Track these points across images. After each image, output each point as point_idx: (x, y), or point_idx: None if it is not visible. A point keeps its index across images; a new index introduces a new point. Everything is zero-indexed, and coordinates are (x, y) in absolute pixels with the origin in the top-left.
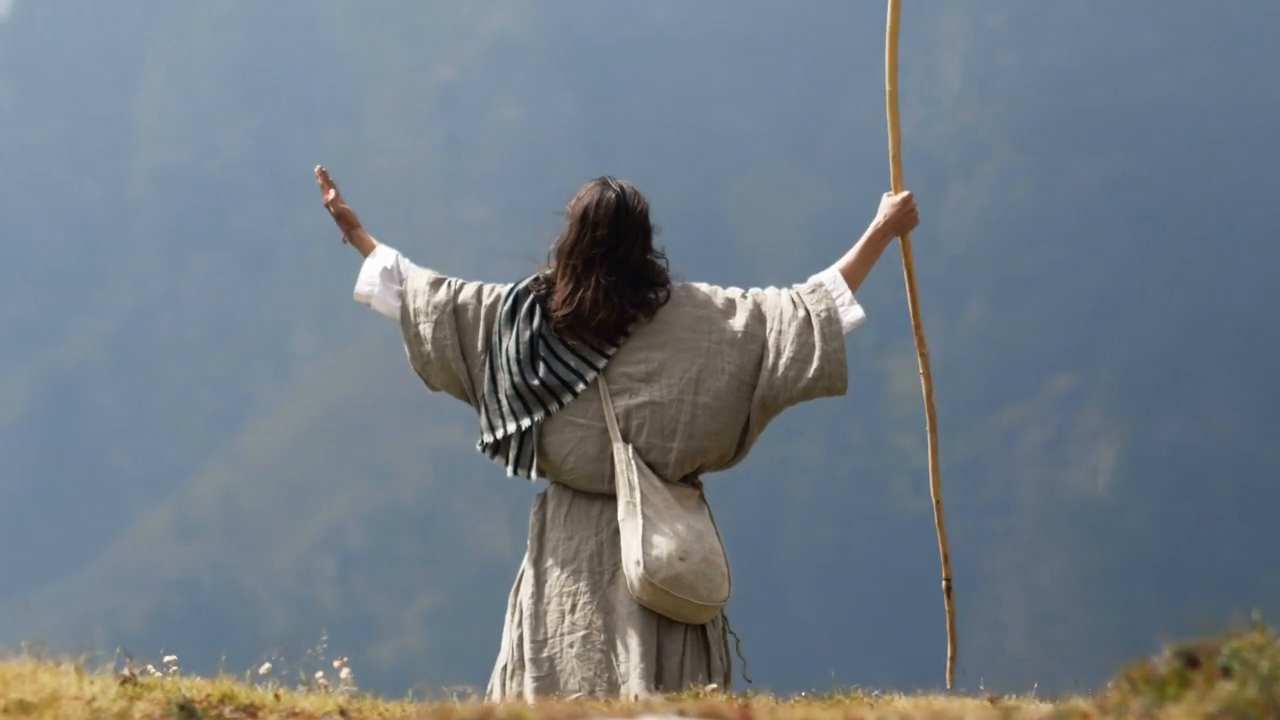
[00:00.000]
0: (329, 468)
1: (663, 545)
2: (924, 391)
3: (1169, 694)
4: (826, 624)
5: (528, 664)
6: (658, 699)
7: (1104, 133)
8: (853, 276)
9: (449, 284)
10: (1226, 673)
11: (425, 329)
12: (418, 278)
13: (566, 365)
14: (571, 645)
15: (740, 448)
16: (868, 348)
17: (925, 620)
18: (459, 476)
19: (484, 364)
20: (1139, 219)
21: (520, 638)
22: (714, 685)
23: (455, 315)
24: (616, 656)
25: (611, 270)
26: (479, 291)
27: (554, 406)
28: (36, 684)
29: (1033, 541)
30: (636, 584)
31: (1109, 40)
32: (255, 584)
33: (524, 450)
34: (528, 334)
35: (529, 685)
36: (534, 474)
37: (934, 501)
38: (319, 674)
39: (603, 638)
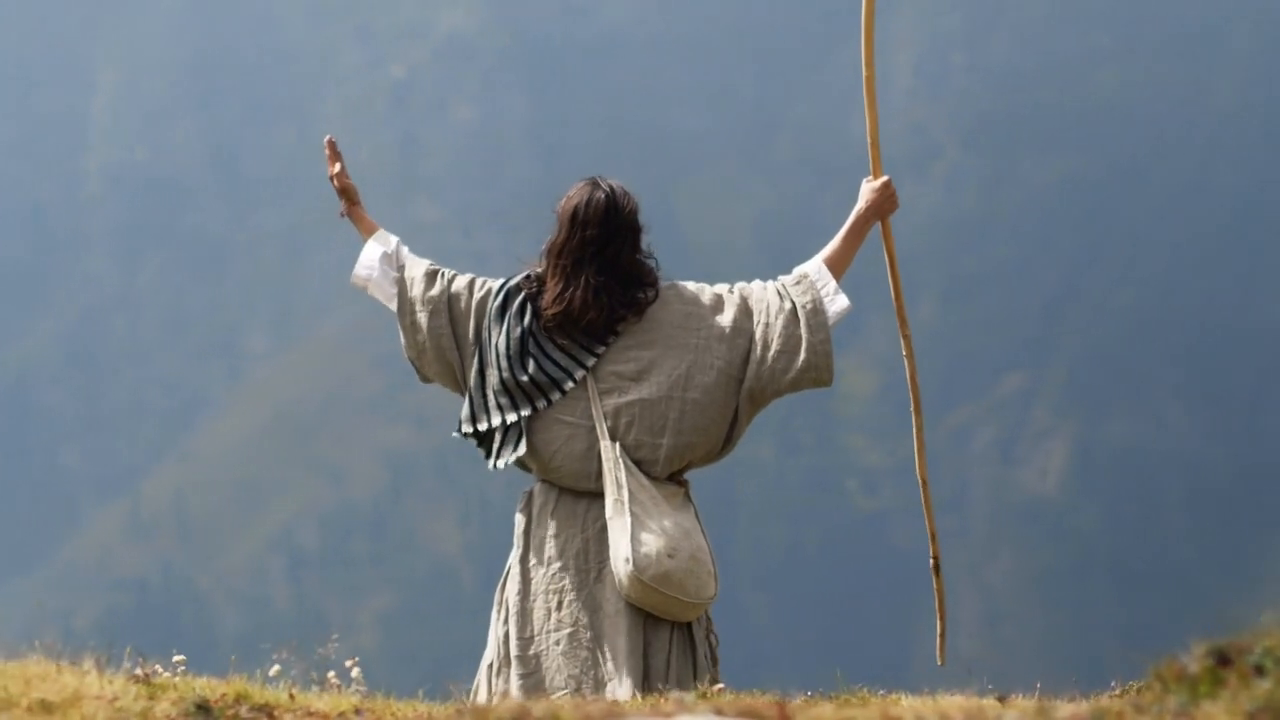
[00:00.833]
0: (281, 467)
1: (651, 543)
2: (908, 373)
3: (1202, 692)
4: (778, 624)
5: (514, 661)
6: (690, 697)
7: (1054, 132)
8: (837, 265)
9: (443, 274)
10: (1260, 671)
11: (422, 318)
12: (415, 266)
13: (556, 363)
14: (558, 643)
15: (728, 441)
16: None
17: (878, 619)
18: (411, 476)
19: (473, 355)
20: (1089, 218)
21: (506, 635)
22: (721, 685)
23: (449, 305)
24: (603, 654)
25: (601, 270)
26: (471, 284)
27: (541, 403)
28: (59, 684)
29: (984, 540)
30: (625, 581)
31: (1059, 41)
32: (207, 583)
33: (505, 443)
34: (518, 331)
35: (515, 682)
36: (505, 464)
37: (920, 481)
38: (331, 674)
39: (589, 635)
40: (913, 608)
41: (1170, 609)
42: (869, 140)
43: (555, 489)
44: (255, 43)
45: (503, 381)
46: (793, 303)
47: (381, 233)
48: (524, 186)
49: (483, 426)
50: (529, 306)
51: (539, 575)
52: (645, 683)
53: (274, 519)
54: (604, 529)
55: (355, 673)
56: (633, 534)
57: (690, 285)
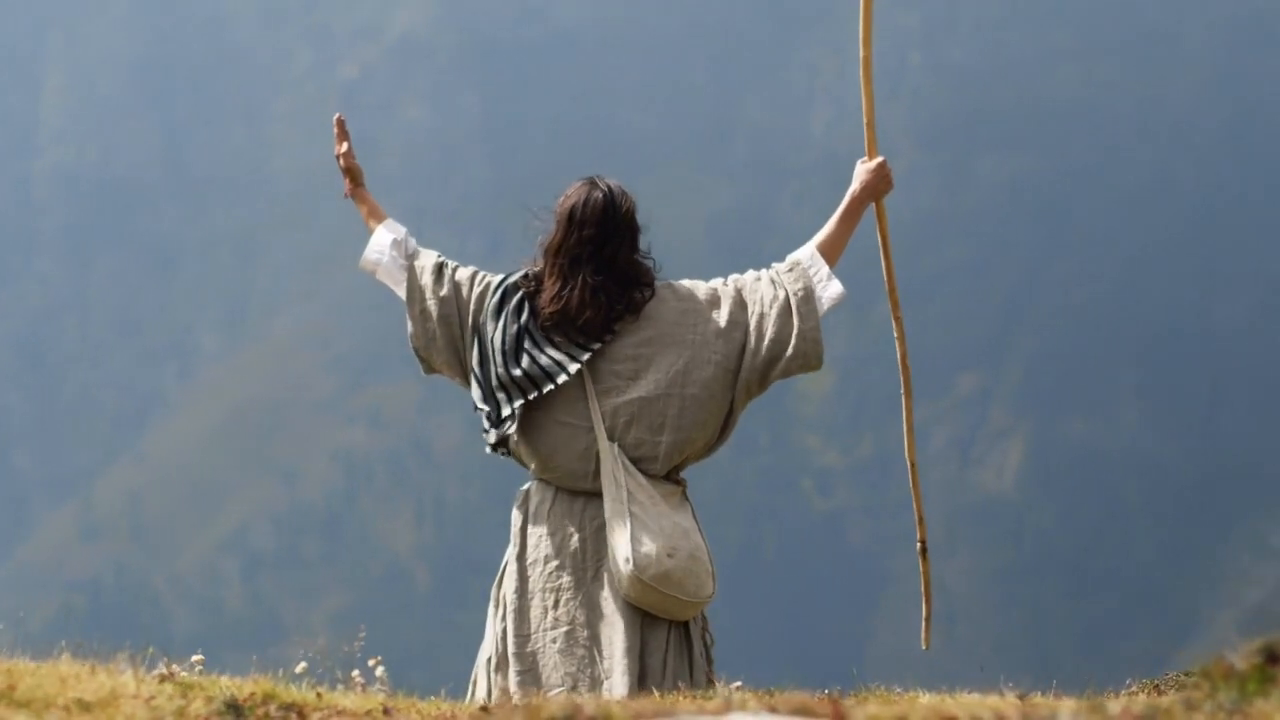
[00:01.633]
0: (234, 468)
1: (651, 542)
2: (899, 355)
3: (1250, 690)
4: (734, 623)
5: (511, 659)
6: (738, 695)
7: (1011, 132)
8: (831, 250)
9: (449, 265)
10: None
11: (432, 305)
12: (426, 256)
13: (549, 357)
14: (555, 641)
15: (723, 433)
16: None
17: (834, 618)
18: (364, 477)
19: (473, 346)
20: (1045, 218)
21: (504, 631)
22: (738, 684)
23: (455, 292)
24: (600, 653)
25: (599, 270)
26: (472, 277)
27: (533, 394)
28: (94, 683)
29: (940, 539)
30: (625, 581)
31: (1017, 41)
32: (160, 585)
33: (495, 428)
34: (514, 328)
35: (513, 680)
36: (495, 442)
37: (909, 464)
38: (355, 672)
39: (586, 634)
40: (868, 607)
41: (1126, 608)
42: (865, 121)
43: (551, 488)
44: (206, 43)
45: (498, 377)
46: (786, 291)
47: (391, 220)
48: (476, 187)
49: (499, 410)
50: (526, 305)
51: (536, 573)
52: (641, 681)
53: (227, 520)
54: (601, 528)
55: (379, 671)
56: (632, 534)
57: (685, 282)
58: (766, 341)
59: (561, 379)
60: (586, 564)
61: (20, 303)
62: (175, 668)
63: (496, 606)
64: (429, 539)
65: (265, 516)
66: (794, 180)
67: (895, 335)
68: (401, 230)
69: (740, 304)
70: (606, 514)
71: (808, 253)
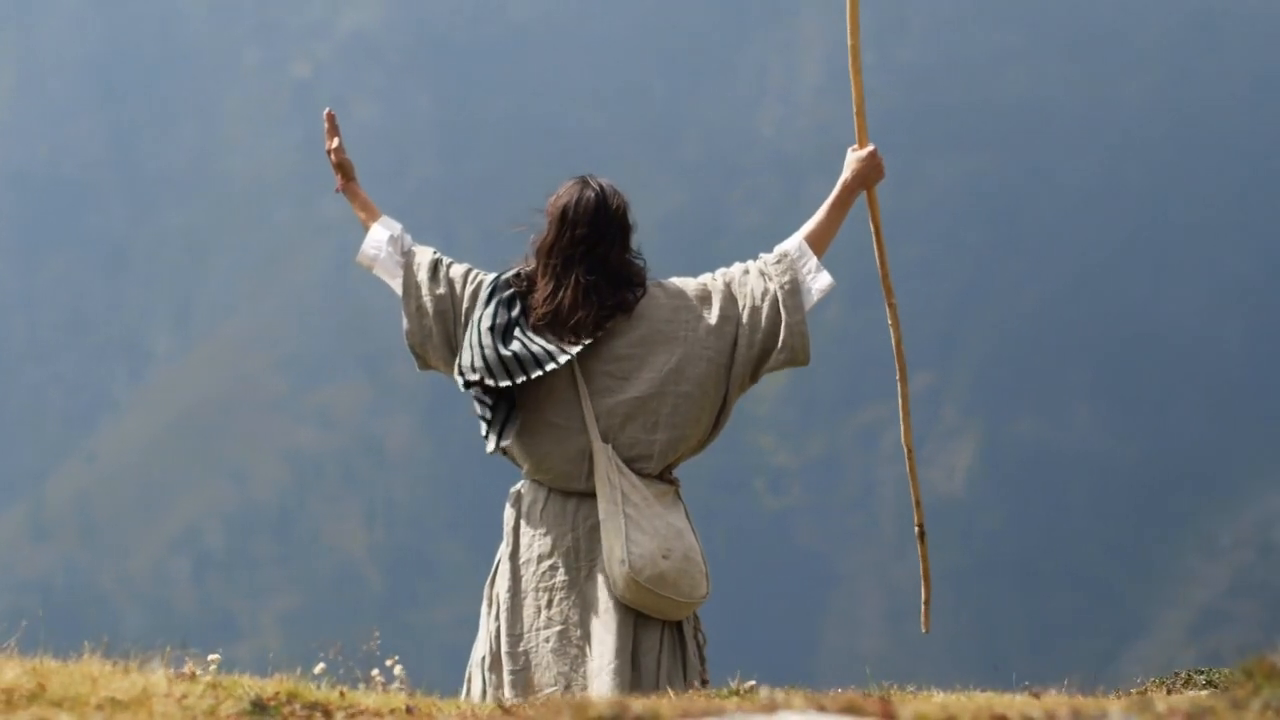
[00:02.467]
0: (184, 468)
1: (646, 544)
2: (893, 341)
3: None
4: None
5: (504, 658)
6: (780, 694)
7: (962, 131)
8: (820, 240)
9: (444, 261)
10: None
11: (428, 302)
12: (422, 253)
13: (541, 346)
14: (547, 640)
15: (715, 428)
16: None
17: (785, 618)
18: (315, 477)
19: (464, 339)
20: (996, 218)
21: (497, 630)
22: (752, 683)
23: (450, 289)
24: (593, 652)
25: (591, 269)
26: (466, 274)
27: (521, 377)
28: (126, 682)
29: (891, 539)
30: (621, 582)
31: (968, 40)
32: (110, 585)
33: (507, 425)
34: (505, 318)
35: (507, 679)
36: (502, 442)
37: (906, 450)
38: (375, 671)
39: (579, 633)
40: (819, 606)
41: (1076, 608)
42: (855, 109)
43: (545, 487)
44: (157, 41)
45: (485, 358)
46: (774, 284)
47: (386, 217)
48: (428, 186)
49: (474, 377)
50: (518, 301)
51: (529, 572)
52: (635, 682)
53: (177, 520)
54: (594, 528)
55: (398, 670)
56: (628, 536)
57: (675, 280)
58: (757, 336)
59: (551, 366)
60: (580, 563)
61: None
62: (195, 667)
63: (489, 605)
64: (379, 539)
65: (215, 517)
66: (744, 179)
67: (889, 322)
68: (397, 227)
69: (730, 299)
70: (601, 516)
71: (795, 244)
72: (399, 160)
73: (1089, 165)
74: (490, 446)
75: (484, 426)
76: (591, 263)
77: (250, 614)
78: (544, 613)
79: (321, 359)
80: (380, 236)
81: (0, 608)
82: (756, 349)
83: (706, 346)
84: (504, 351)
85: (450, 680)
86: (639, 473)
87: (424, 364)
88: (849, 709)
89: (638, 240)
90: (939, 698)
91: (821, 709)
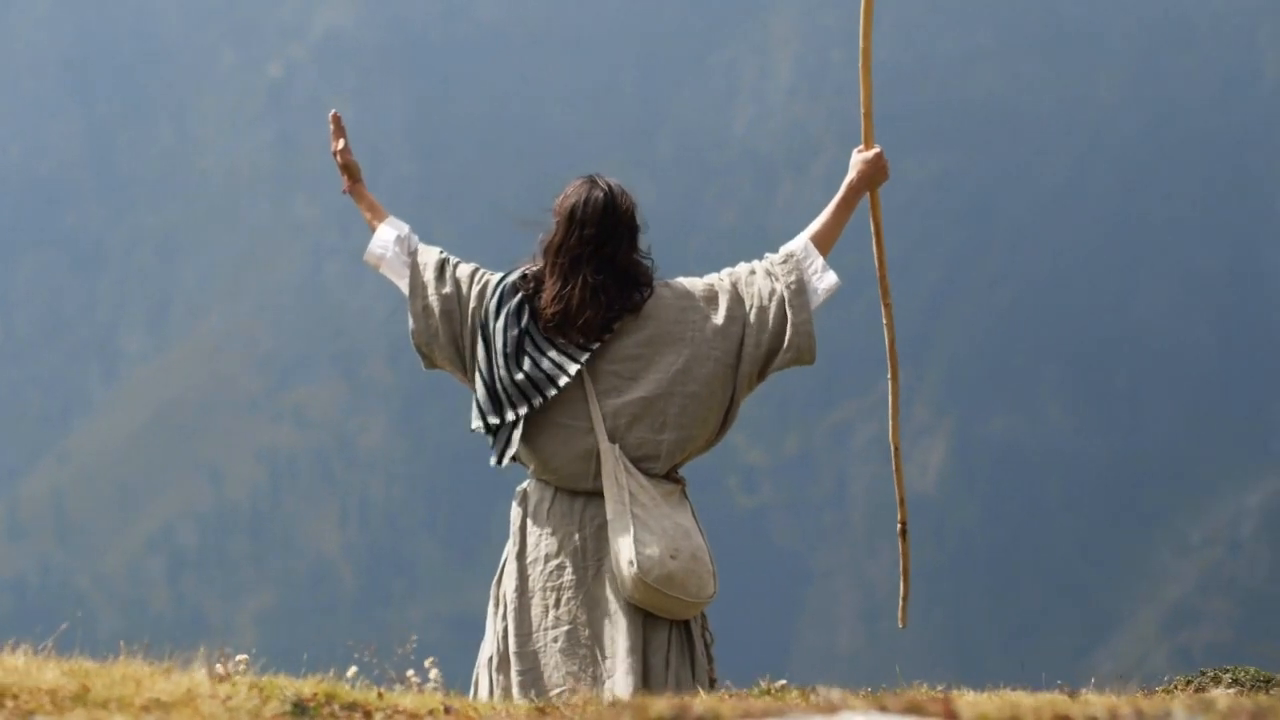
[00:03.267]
0: (159, 468)
1: (654, 544)
2: (887, 340)
3: None
4: None
5: (513, 658)
6: (836, 694)
7: (934, 131)
8: (825, 240)
9: (451, 261)
10: None
11: (434, 302)
12: (428, 253)
13: (551, 361)
14: (556, 640)
15: (722, 427)
16: None
17: (758, 616)
18: (290, 476)
19: (473, 345)
20: (968, 217)
21: (505, 630)
22: (783, 682)
23: (456, 289)
24: (601, 652)
25: (599, 269)
26: (472, 274)
27: (537, 400)
28: (170, 683)
29: (863, 537)
30: (629, 583)
31: (940, 39)
32: (85, 585)
33: (509, 442)
34: (515, 331)
35: (515, 679)
36: (505, 462)
37: (893, 448)
38: (410, 672)
39: (587, 633)
40: (792, 604)
41: (1048, 605)
42: (862, 111)
43: (551, 487)
44: (132, 41)
45: (499, 380)
46: (780, 284)
47: (393, 218)
48: (403, 185)
49: (494, 421)
50: (526, 307)
51: (536, 572)
52: (645, 681)
53: (152, 519)
54: (602, 527)
55: (434, 673)
56: (635, 536)
57: (682, 279)
58: (764, 336)
59: (563, 381)
60: (587, 563)
61: None
62: (227, 667)
63: (496, 605)
64: (354, 538)
65: (190, 516)
66: (716, 178)
67: (884, 322)
68: (404, 227)
69: (737, 299)
70: (609, 516)
71: (801, 244)
72: (374, 159)
73: (1060, 165)
74: (494, 461)
75: (491, 440)
76: (599, 262)
77: (225, 613)
78: (551, 612)
79: (296, 359)
80: (387, 236)
81: None
82: (763, 349)
83: (714, 347)
84: (517, 376)
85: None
86: (646, 473)
87: (430, 363)
88: (911, 709)
89: (645, 241)
90: (998, 697)
91: (883, 709)
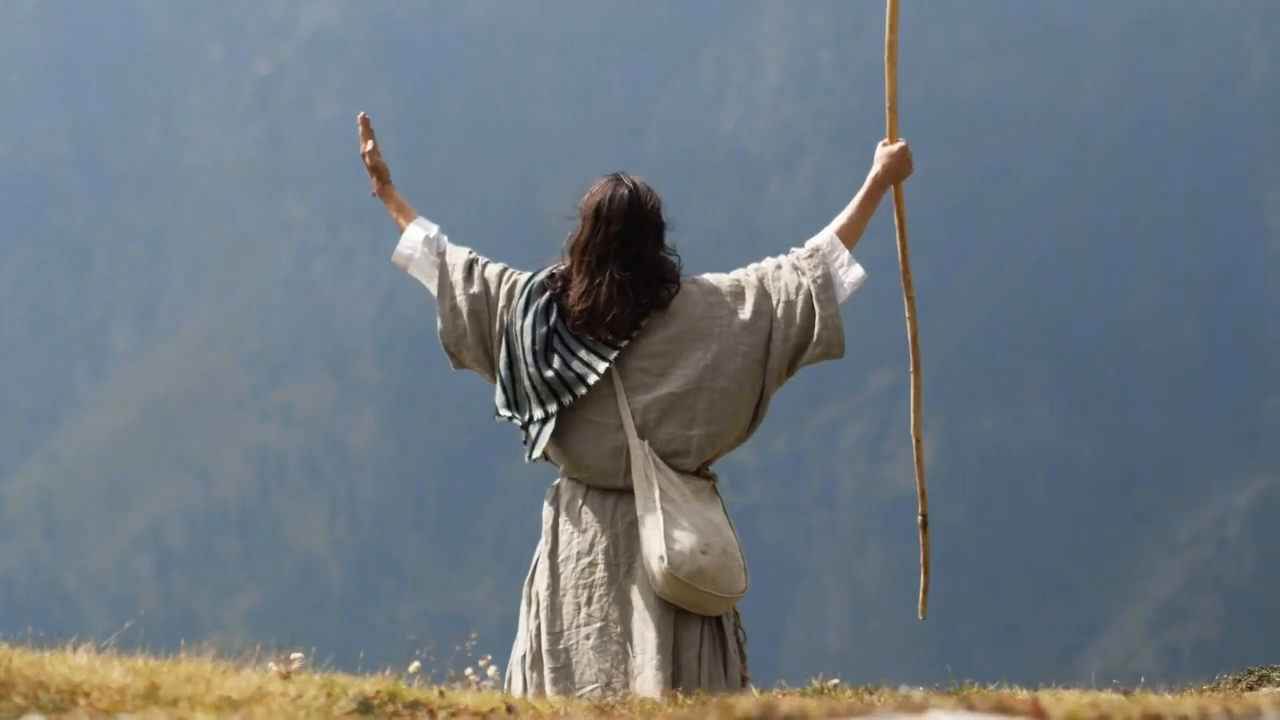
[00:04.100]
0: (148, 466)
1: (685, 540)
2: (909, 334)
3: None
4: None
5: (545, 656)
6: (919, 693)
7: (921, 130)
8: (850, 234)
9: (479, 261)
10: None
11: (462, 302)
12: (456, 253)
13: (580, 359)
14: (588, 637)
15: (753, 422)
16: None
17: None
18: (279, 474)
19: (500, 344)
20: (956, 216)
21: (538, 628)
22: (835, 681)
23: (484, 289)
24: (633, 649)
25: (625, 266)
26: (501, 273)
27: (567, 399)
28: (240, 681)
29: (852, 536)
30: (660, 578)
31: (927, 39)
32: (73, 583)
33: (540, 436)
34: (543, 329)
35: (548, 677)
36: (535, 454)
37: (914, 440)
38: (469, 670)
39: (619, 630)
40: (781, 604)
41: (1037, 604)
42: (887, 105)
43: (582, 485)
44: (119, 38)
45: (529, 378)
46: (807, 278)
47: (421, 218)
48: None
49: (525, 417)
50: (554, 305)
51: (568, 570)
52: (676, 678)
53: (141, 517)
54: (633, 524)
55: (491, 670)
56: (666, 531)
57: (708, 275)
58: (792, 330)
59: (592, 380)
60: (619, 560)
61: None
62: (283, 666)
63: (529, 604)
64: (342, 536)
65: (179, 514)
66: (704, 178)
67: (907, 315)
68: (433, 228)
69: (764, 294)
70: (639, 512)
71: (827, 238)
72: (360, 158)
73: (1048, 163)
74: (528, 457)
75: (524, 435)
76: (625, 259)
77: (214, 612)
78: (584, 610)
79: (284, 356)
80: (415, 237)
81: None
82: (792, 343)
83: (741, 342)
84: (547, 374)
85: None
86: (676, 468)
87: (458, 363)
88: (999, 708)
89: (672, 237)
90: (1087, 696)
91: (970, 708)
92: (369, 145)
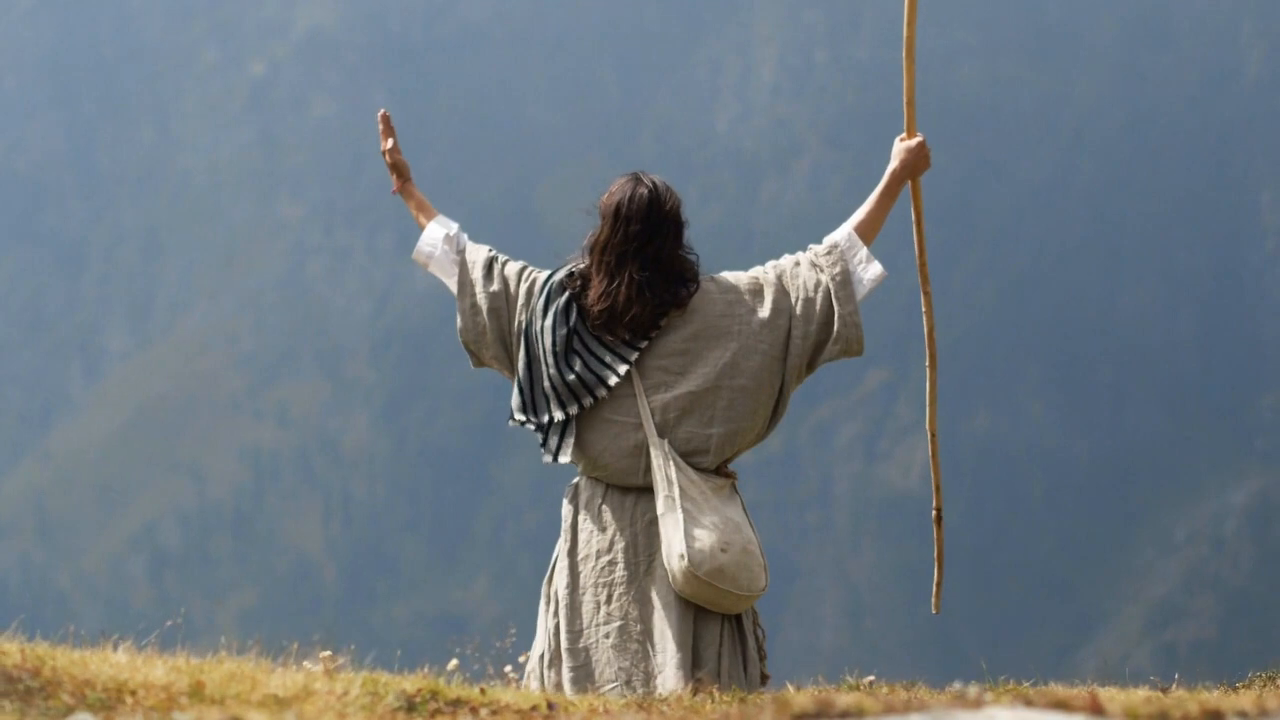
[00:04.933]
0: (141, 466)
1: (705, 538)
2: (926, 328)
3: None
4: None
5: (564, 654)
6: (974, 689)
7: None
8: (868, 230)
9: (500, 259)
10: None
11: (482, 300)
12: (476, 251)
13: (600, 360)
14: (607, 636)
15: (773, 420)
16: None
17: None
18: (272, 474)
19: (519, 344)
20: (951, 215)
21: (557, 627)
22: (871, 678)
23: (504, 287)
24: (653, 647)
25: (644, 265)
26: (520, 271)
27: (588, 400)
28: (286, 679)
29: (847, 535)
30: (680, 577)
31: (922, 37)
32: (66, 584)
33: (564, 439)
34: (564, 330)
35: (566, 675)
36: (562, 459)
37: (929, 434)
38: (508, 668)
39: (639, 628)
40: (776, 603)
41: (1032, 603)
42: (905, 100)
43: (601, 484)
44: (113, 39)
45: (550, 379)
46: (826, 276)
47: (442, 216)
48: (385, 183)
49: (543, 419)
50: (574, 305)
51: (587, 568)
52: (696, 676)
53: (134, 518)
54: (652, 522)
55: (530, 667)
56: (685, 530)
57: (727, 274)
58: (811, 327)
59: (613, 381)
60: (639, 559)
61: None
62: (327, 664)
63: (548, 602)
64: (337, 536)
65: (172, 515)
66: (699, 176)
67: (924, 310)
68: (454, 226)
69: (783, 291)
70: (659, 510)
71: (845, 234)
72: (355, 158)
73: (1043, 162)
74: (548, 459)
75: (541, 437)
76: (645, 259)
77: (208, 612)
78: (603, 608)
79: (279, 357)
80: (436, 235)
81: None
82: (811, 340)
83: (760, 340)
84: (569, 376)
85: None
86: (696, 467)
87: (478, 361)
88: (1057, 705)
89: (690, 236)
90: (1141, 693)
91: (1028, 704)
92: (389, 143)
